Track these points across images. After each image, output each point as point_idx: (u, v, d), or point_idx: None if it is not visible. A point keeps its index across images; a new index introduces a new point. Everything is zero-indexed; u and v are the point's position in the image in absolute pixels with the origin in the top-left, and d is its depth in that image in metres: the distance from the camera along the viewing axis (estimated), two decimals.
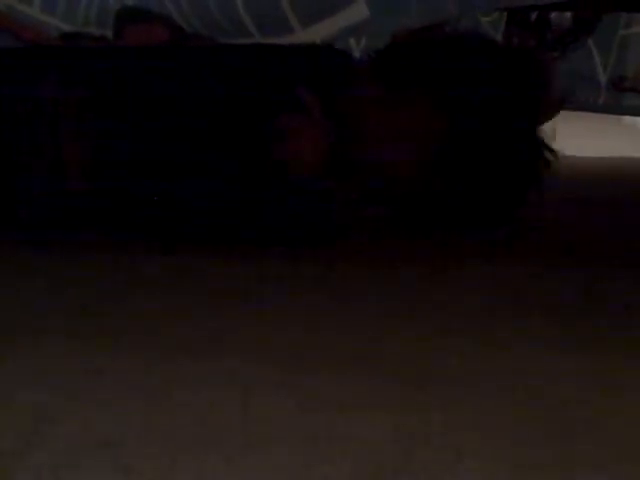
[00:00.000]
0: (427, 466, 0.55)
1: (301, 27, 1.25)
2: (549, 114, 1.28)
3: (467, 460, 0.56)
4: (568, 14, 3.15)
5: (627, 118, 3.31)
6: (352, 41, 3.21)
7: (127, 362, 0.73)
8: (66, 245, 1.10)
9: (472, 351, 0.78)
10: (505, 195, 1.16)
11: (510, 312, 0.91)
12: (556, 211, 1.46)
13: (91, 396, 0.66)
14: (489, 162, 1.13)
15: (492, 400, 0.67)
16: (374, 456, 0.57)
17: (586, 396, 0.68)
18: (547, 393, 0.69)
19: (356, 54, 2.90)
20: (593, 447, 0.59)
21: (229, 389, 0.67)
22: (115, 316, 0.85)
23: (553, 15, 3.10)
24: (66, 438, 0.58)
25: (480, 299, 0.96)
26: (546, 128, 1.22)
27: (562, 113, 1.44)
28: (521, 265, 1.11)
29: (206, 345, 0.78)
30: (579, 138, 2.75)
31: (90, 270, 1.02)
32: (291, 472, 0.54)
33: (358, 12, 1.24)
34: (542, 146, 1.17)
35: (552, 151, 1.18)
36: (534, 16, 2.98)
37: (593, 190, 1.82)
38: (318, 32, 1.26)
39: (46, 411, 0.62)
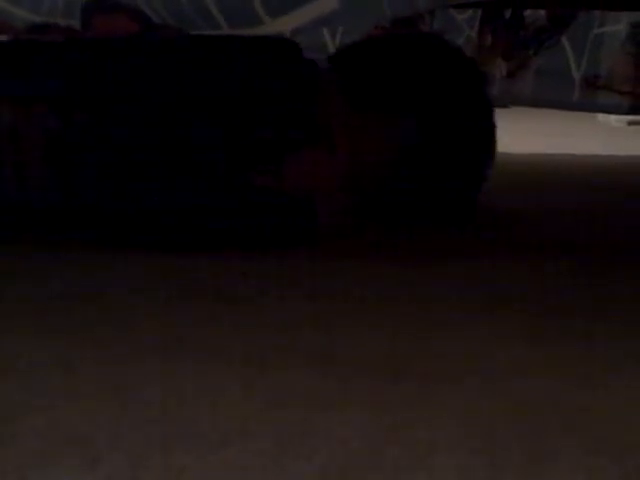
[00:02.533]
0: (398, 462, 0.55)
1: (270, 18, 1.24)
2: None
3: (438, 457, 0.56)
4: (542, 12, 3.16)
5: (601, 116, 3.33)
6: (328, 39, 3.21)
7: (96, 358, 0.72)
8: (33, 243, 1.09)
9: (445, 349, 0.77)
10: (464, 177, 1.25)
11: (485, 309, 0.91)
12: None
13: (59, 392, 0.65)
14: (448, 150, 1.23)
15: (463, 396, 0.66)
16: (345, 452, 0.56)
17: (555, 392, 0.68)
18: (517, 389, 0.68)
19: (332, 50, 2.89)
20: (563, 443, 0.58)
21: (200, 386, 0.66)
22: (85, 313, 0.84)
23: (527, 13, 3.11)
24: (33, 435, 0.57)
25: (456, 295, 0.96)
26: None
27: (535, 111, 1.45)
28: (503, 260, 1.12)
29: (177, 342, 0.77)
30: (552, 137, 2.76)
31: (62, 267, 1.01)
32: (262, 469, 0.54)
33: (327, 3, 1.23)
34: (493, 126, 1.27)
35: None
36: (508, 14, 2.99)
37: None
38: (287, 23, 1.25)
39: (13, 408, 0.61)
